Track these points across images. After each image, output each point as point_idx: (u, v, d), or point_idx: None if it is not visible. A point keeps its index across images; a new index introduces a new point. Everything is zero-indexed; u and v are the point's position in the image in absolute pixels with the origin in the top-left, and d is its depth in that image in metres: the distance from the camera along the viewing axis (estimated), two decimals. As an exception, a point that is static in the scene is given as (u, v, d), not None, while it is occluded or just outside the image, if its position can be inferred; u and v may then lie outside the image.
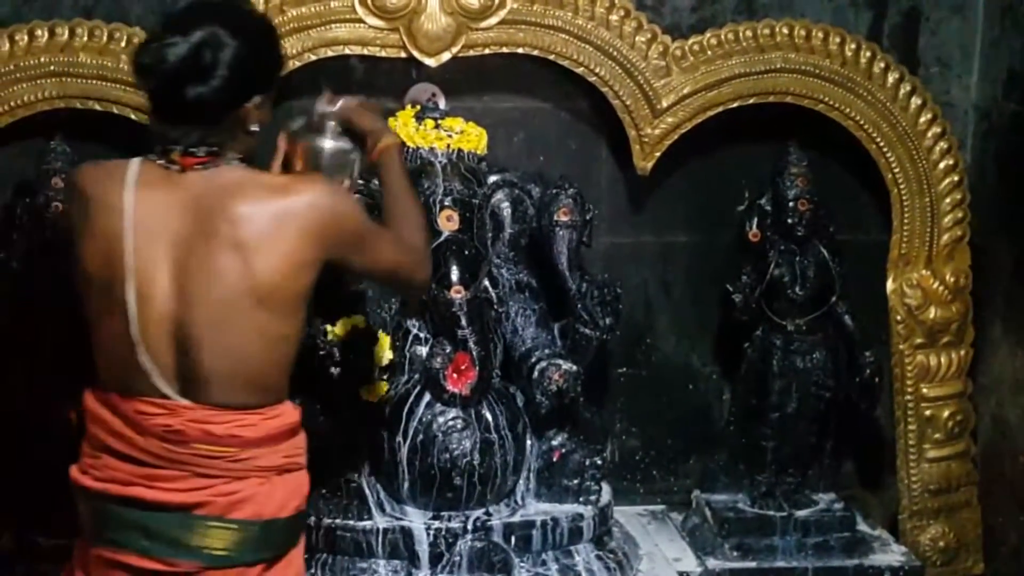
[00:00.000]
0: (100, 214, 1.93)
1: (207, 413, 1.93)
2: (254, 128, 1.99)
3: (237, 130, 1.96)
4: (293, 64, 2.83)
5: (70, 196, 2.07)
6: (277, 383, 2.01)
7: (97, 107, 2.80)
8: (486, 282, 2.72)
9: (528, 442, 2.83)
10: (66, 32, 2.78)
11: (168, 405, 1.93)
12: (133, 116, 2.80)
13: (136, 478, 1.95)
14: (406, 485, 2.71)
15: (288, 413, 2.03)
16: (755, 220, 3.01)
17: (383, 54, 2.89)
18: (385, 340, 2.73)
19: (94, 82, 2.77)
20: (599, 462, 2.87)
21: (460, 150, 2.80)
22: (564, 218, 2.81)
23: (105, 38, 2.79)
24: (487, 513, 2.74)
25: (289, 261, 1.91)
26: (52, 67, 2.75)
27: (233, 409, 1.95)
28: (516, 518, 2.77)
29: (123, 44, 2.78)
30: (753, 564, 2.98)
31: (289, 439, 2.03)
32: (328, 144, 2.22)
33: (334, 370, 2.69)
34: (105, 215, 1.92)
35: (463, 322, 2.67)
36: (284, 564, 2.03)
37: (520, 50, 2.92)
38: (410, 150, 2.77)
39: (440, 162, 2.78)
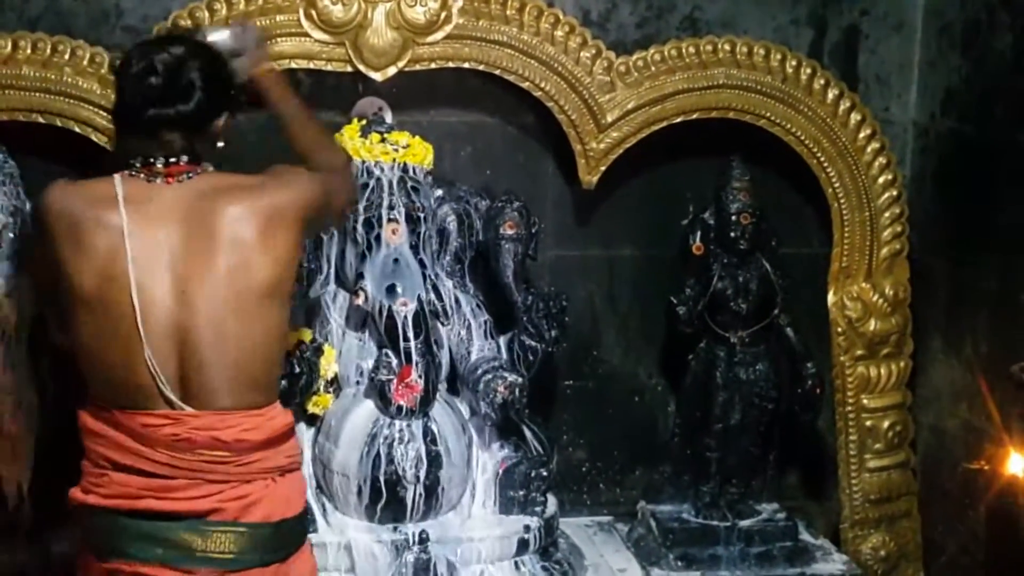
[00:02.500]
0: (94, 233, 1.97)
1: (213, 419, 1.98)
2: (220, 144, 2.13)
3: (207, 144, 2.09)
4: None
5: (45, 219, 2.04)
6: (273, 381, 2.10)
7: (40, 119, 2.79)
8: (432, 295, 2.74)
9: (474, 454, 2.84)
10: (9, 44, 2.76)
11: (173, 415, 1.98)
12: (76, 128, 2.80)
13: (146, 491, 1.97)
14: (351, 497, 2.72)
15: (283, 414, 2.11)
16: (699, 234, 3.04)
17: (329, 68, 2.90)
18: (331, 353, 2.74)
19: (37, 95, 2.76)
20: (545, 473, 2.89)
21: (406, 164, 2.81)
22: (509, 231, 2.83)
23: (48, 51, 2.78)
24: (433, 525, 2.75)
25: (287, 251, 2.04)
26: (-6, 79, 2.74)
27: (237, 411, 2.00)
28: (462, 530, 2.78)
29: (66, 57, 2.78)
30: (697, 573, 3.01)
31: (288, 440, 2.10)
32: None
33: (280, 383, 2.69)
34: (100, 233, 1.97)
35: (409, 335, 2.69)
36: (295, 560, 2.08)
37: (466, 65, 2.94)
38: (356, 163, 2.79)
39: (386, 176, 2.79)
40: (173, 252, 1.98)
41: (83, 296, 1.98)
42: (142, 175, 2.03)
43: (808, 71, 3.09)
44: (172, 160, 2.02)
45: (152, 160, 2.02)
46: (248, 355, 2.01)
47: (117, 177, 2.02)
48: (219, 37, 2.33)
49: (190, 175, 2.04)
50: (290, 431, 2.11)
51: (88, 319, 1.99)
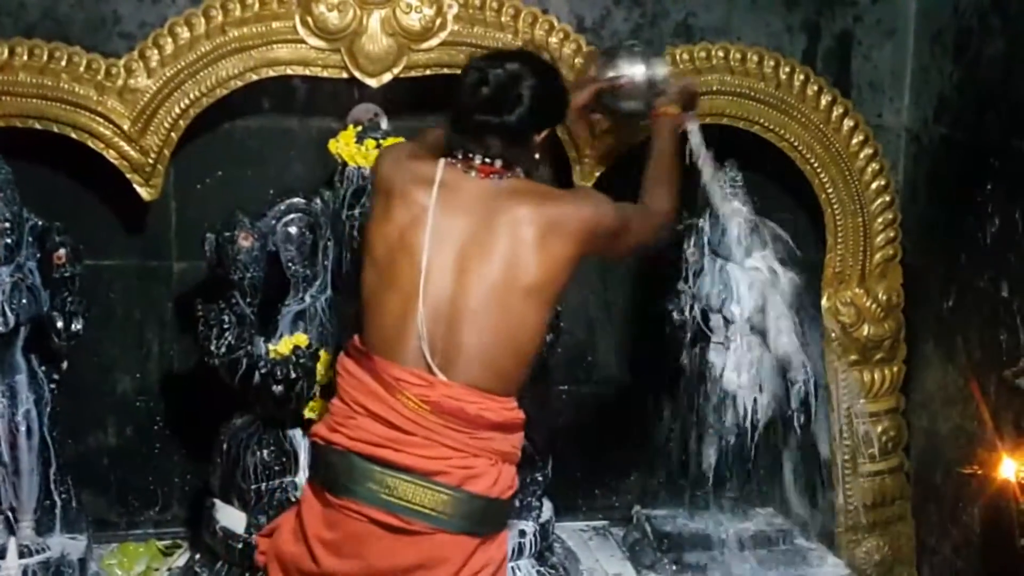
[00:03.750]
0: (402, 206, 2.20)
1: (461, 391, 2.14)
2: (536, 156, 2.30)
3: (524, 153, 2.27)
4: (235, 84, 2.85)
5: (373, 176, 2.35)
6: (518, 375, 2.22)
7: (37, 126, 2.79)
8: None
9: (470, 459, 2.84)
10: (6, 51, 2.77)
11: (428, 378, 2.14)
12: (73, 135, 2.80)
13: (386, 440, 2.14)
14: (348, 502, 2.71)
15: (518, 410, 2.24)
16: (693, 239, 3.05)
17: (325, 74, 2.91)
18: (327, 358, 2.74)
19: (34, 101, 2.76)
20: (540, 478, 2.89)
21: (402, 170, 2.81)
22: (505, 237, 2.83)
23: (45, 57, 2.78)
24: (429, 530, 2.75)
25: (558, 260, 2.18)
26: (-9, 86, 2.75)
27: (481, 391, 2.15)
28: (458, 535, 2.78)
29: (63, 63, 2.79)
30: (692, 578, 3.02)
31: (517, 432, 2.24)
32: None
33: (277, 388, 2.70)
34: (407, 207, 2.20)
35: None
36: (498, 541, 2.22)
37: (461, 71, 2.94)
38: (352, 169, 2.79)
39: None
40: (463, 237, 2.17)
41: (373, 256, 2.22)
42: (460, 165, 2.22)
43: (801, 77, 3.10)
44: (488, 160, 2.22)
45: (471, 155, 2.21)
46: (501, 343, 2.16)
47: (441, 161, 2.23)
48: (659, 72, 2.74)
49: (500, 177, 2.22)
50: (520, 425, 2.24)
51: (373, 275, 2.22)
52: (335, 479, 2.16)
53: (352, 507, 2.13)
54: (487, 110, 2.21)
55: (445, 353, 2.14)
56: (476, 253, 2.16)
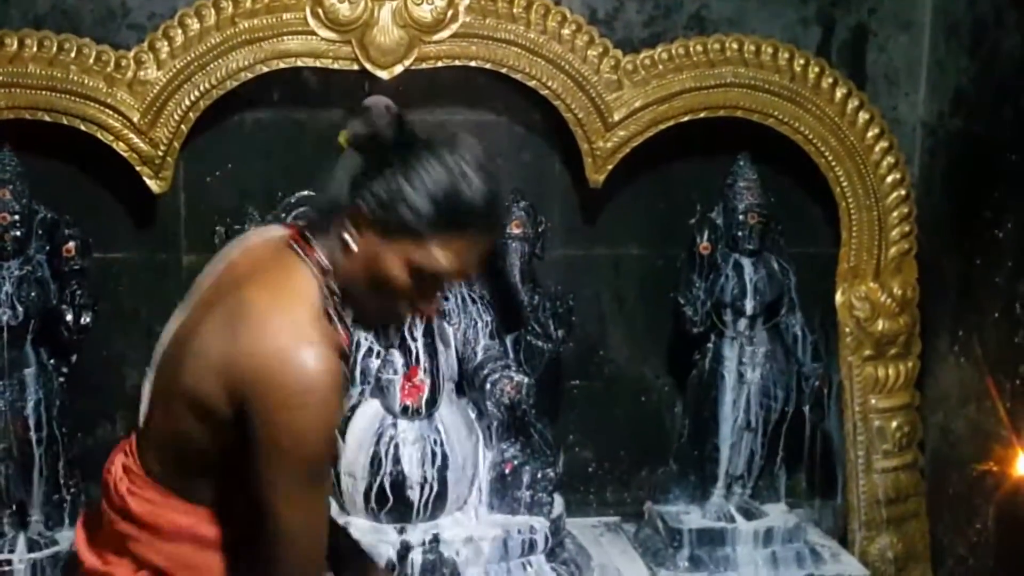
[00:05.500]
0: None
1: (133, 471, 1.81)
2: (350, 246, 1.68)
3: (333, 236, 1.70)
4: (245, 76, 2.84)
5: None
6: (192, 478, 1.76)
7: (46, 118, 2.78)
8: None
9: (480, 454, 2.83)
10: (15, 42, 2.76)
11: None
12: (82, 127, 2.79)
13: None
14: (358, 497, 2.71)
15: (201, 523, 1.74)
16: (706, 233, 3.04)
17: (336, 66, 2.90)
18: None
19: (43, 93, 2.75)
20: (551, 474, 2.88)
21: (413, 163, 2.80)
22: (516, 231, 2.83)
23: (55, 49, 2.77)
24: (439, 525, 2.74)
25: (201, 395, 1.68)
26: (0, 78, 2.73)
27: (152, 477, 1.78)
28: (468, 530, 2.77)
29: (72, 55, 2.78)
30: (704, 575, 2.99)
31: (183, 544, 1.74)
32: None
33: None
34: None
35: (415, 335, 2.68)
36: None
37: (473, 63, 2.94)
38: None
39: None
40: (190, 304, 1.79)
41: None
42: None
43: (816, 70, 3.07)
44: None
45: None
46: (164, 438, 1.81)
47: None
48: None
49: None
50: (190, 537, 1.74)
51: None
52: None
53: None
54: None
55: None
56: (173, 327, 1.77)
